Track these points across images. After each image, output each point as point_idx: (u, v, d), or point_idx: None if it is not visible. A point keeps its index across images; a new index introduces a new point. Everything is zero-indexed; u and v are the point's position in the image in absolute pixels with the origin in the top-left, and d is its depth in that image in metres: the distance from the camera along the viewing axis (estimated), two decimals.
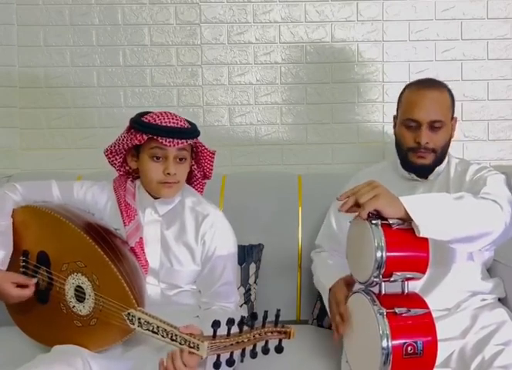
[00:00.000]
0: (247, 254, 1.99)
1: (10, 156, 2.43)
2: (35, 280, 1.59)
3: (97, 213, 1.71)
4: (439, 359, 1.39)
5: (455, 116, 1.77)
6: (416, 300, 1.40)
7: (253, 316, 1.26)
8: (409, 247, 1.36)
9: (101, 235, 1.55)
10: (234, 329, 1.27)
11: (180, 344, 1.31)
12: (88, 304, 1.51)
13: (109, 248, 1.51)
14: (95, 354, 1.49)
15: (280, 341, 1.29)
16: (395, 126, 1.80)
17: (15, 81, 2.41)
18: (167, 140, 1.57)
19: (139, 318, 1.41)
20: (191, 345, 1.30)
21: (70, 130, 2.43)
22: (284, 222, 2.10)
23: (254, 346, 1.28)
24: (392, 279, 1.35)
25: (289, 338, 1.30)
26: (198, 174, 1.76)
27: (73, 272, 1.54)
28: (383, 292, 1.37)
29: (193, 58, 2.43)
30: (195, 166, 1.73)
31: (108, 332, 1.49)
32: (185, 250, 1.67)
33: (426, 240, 1.37)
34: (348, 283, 1.57)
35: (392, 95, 2.25)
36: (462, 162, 1.80)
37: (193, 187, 1.78)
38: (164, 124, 1.59)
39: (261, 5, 2.42)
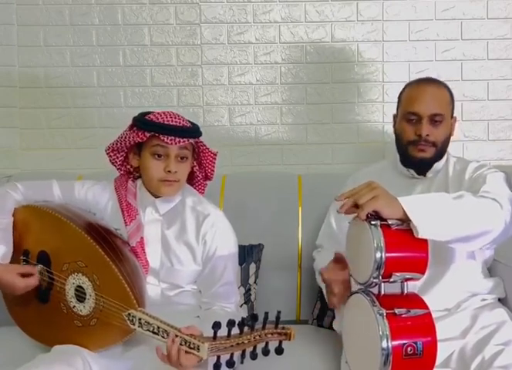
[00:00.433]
0: (247, 254, 1.99)
1: (10, 156, 2.43)
2: (38, 268, 1.59)
3: (98, 212, 1.71)
4: (439, 359, 1.39)
5: (454, 115, 1.78)
6: (415, 300, 1.40)
7: (253, 317, 1.26)
8: (408, 248, 1.36)
9: (102, 235, 1.55)
10: (235, 330, 1.27)
11: (181, 344, 1.31)
12: (88, 304, 1.51)
13: (110, 248, 1.51)
14: (95, 354, 1.49)
15: (280, 342, 1.29)
16: (395, 125, 1.81)
17: (15, 81, 2.42)
18: (169, 138, 1.58)
19: (139, 319, 1.41)
20: (192, 346, 1.29)
21: (70, 130, 2.43)
22: (284, 222, 2.10)
23: (255, 347, 1.28)
24: (391, 280, 1.35)
25: (289, 339, 1.30)
26: (200, 175, 1.76)
27: (74, 272, 1.54)
28: (383, 293, 1.37)
29: (193, 58, 2.43)
30: (197, 167, 1.73)
31: (108, 332, 1.49)
32: (186, 249, 1.67)
33: (425, 240, 1.37)
34: (338, 261, 1.57)
35: (392, 95, 2.25)
36: (460, 160, 1.80)
37: (195, 188, 1.78)
38: (167, 122, 1.59)
39: (261, 5, 2.42)
